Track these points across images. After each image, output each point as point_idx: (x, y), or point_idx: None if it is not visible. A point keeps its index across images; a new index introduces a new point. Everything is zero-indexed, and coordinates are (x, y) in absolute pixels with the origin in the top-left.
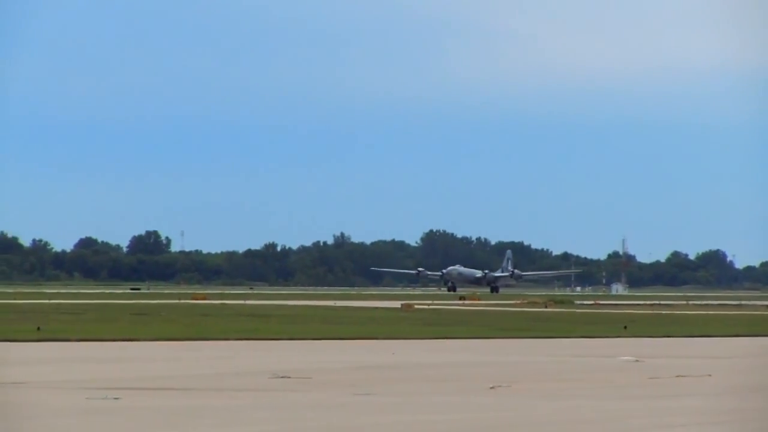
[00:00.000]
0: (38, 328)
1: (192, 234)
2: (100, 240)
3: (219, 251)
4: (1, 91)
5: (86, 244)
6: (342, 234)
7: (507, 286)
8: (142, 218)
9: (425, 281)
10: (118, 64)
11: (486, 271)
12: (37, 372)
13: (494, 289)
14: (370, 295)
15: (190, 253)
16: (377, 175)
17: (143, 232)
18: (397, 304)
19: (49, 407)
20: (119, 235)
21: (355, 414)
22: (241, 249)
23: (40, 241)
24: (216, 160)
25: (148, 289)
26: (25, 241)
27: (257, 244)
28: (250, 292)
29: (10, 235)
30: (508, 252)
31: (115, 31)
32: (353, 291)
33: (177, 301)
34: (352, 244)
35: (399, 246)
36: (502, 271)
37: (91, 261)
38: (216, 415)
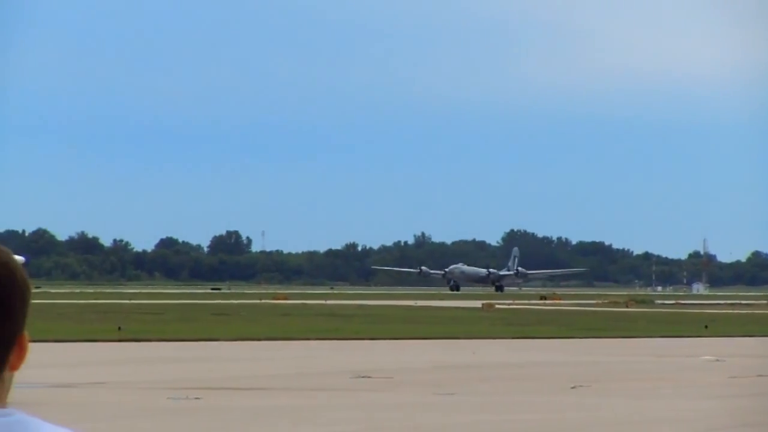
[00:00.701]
0: (119, 328)
1: (273, 234)
2: (180, 240)
3: (300, 251)
4: (82, 93)
5: (167, 244)
6: (423, 234)
7: (513, 285)
8: (223, 218)
9: (427, 280)
10: (201, 64)
11: (490, 270)
12: (118, 372)
13: (499, 288)
14: (451, 295)
15: (270, 253)
16: (458, 174)
17: (224, 232)
18: (478, 303)
19: (130, 407)
20: (200, 235)
21: (436, 414)
22: (322, 249)
23: (121, 241)
24: (297, 160)
25: (229, 289)
26: (106, 242)
27: (338, 244)
28: (330, 292)
29: (91, 236)
30: (515, 250)
31: (202, 29)
32: (433, 291)
33: (257, 301)
34: (433, 243)
35: (480, 246)
36: (508, 270)
37: (172, 261)
38: (297, 415)
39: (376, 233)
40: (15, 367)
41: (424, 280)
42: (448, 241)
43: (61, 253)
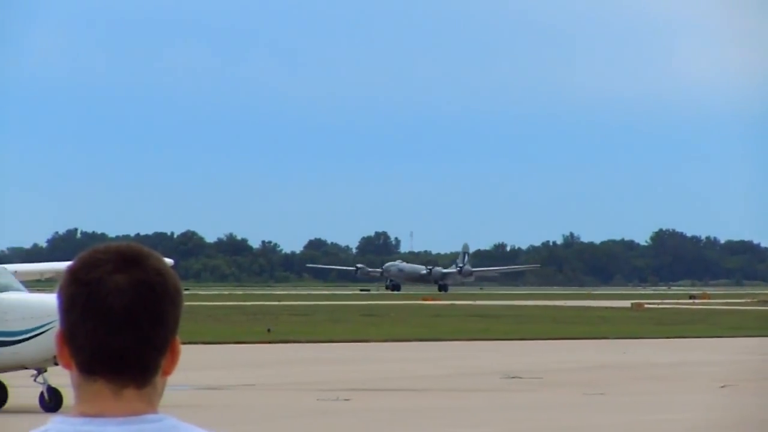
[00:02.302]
0: (268, 330)
1: (421, 234)
2: (329, 241)
3: (448, 252)
4: (228, 96)
5: (315, 245)
6: (571, 233)
7: (457, 284)
8: (371, 219)
9: (366, 278)
10: (355, 63)
11: (431, 267)
12: (268, 374)
13: (442, 288)
14: (600, 295)
15: (419, 253)
16: (607, 173)
17: (372, 233)
18: (627, 303)
19: (280, 409)
20: (348, 236)
21: (587, 414)
22: (470, 249)
23: (269, 242)
24: (445, 161)
25: (378, 290)
26: (254, 243)
27: (487, 244)
28: (479, 292)
29: (239, 237)
30: (465, 245)
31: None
32: (583, 290)
33: (407, 302)
34: (582, 243)
35: (628, 245)
36: (455, 267)
37: (321, 262)
38: (447, 415)
39: (524, 233)
40: (168, 372)
41: (362, 278)
42: (597, 241)
43: (210, 255)
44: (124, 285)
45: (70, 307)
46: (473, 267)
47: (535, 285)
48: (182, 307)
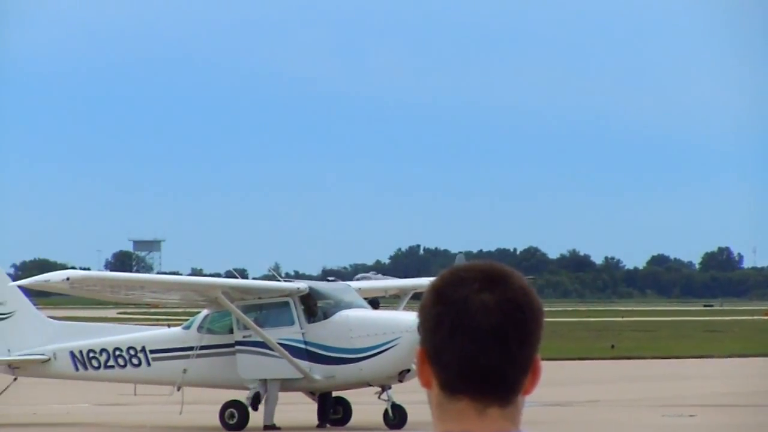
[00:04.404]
0: (612, 346)
1: (766, 250)
2: (672, 257)
3: None
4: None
5: (658, 261)
6: None
7: None
8: (713, 234)
9: None
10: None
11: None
12: (612, 390)
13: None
14: None
15: (762, 269)
16: None
17: (715, 249)
18: None
19: (623, 425)
20: (691, 252)
21: None
22: None
23: (612, 258)
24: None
25: (721, 306)
26: (597, 259)
27: None
28: None
29: (582, 253)
30: (460, 256)
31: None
32: None
33: (750, 317)
34: None
35: None
36: None
37: (664, 278)
38: None
39: None
40: (528, 391)
41: None
42: None
43: (553, 271)
44: (491, 304)
45: (436, 326)
46: None
47: None
48: (544, 324)
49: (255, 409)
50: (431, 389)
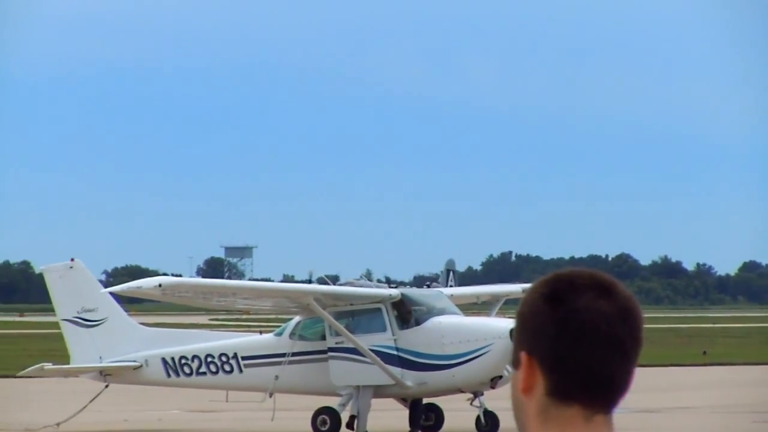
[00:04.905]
0: (704, 353)
1: None
2: (763, 263)
3: None
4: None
5: (750, 267)
6: None
7: None
8: None
9: None
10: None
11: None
12: (704, 396)
13: None
14: None
15: None
16: None
17: None
18: None
19: (713, 431)
20: None
21: None
22: None
23: (704, 265)
24: None
25: None
26: (689, 266)
27: None
28: None
29: (674, 260)
30: (450, 261)
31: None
32: None
33: None
34: None
35: None
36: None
37: (756, 284)
38: None
39: None
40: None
41: None
42: None
43: (645, 277)
44: (610, 312)
45: (558, 333)
46: None
47: None
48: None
49: (350, 428)
50: (530, 395)
